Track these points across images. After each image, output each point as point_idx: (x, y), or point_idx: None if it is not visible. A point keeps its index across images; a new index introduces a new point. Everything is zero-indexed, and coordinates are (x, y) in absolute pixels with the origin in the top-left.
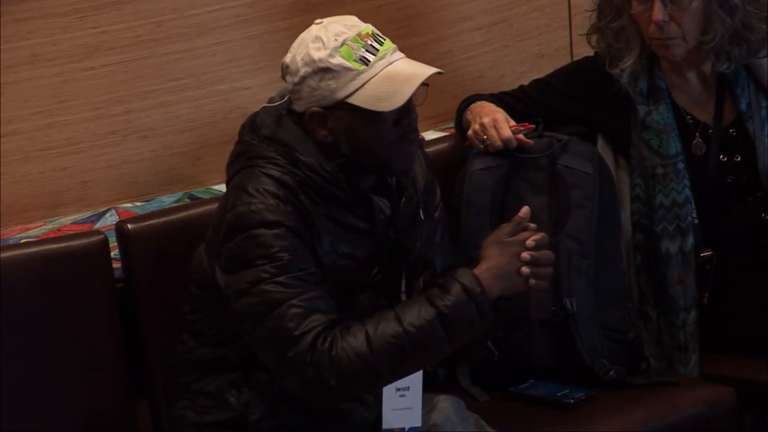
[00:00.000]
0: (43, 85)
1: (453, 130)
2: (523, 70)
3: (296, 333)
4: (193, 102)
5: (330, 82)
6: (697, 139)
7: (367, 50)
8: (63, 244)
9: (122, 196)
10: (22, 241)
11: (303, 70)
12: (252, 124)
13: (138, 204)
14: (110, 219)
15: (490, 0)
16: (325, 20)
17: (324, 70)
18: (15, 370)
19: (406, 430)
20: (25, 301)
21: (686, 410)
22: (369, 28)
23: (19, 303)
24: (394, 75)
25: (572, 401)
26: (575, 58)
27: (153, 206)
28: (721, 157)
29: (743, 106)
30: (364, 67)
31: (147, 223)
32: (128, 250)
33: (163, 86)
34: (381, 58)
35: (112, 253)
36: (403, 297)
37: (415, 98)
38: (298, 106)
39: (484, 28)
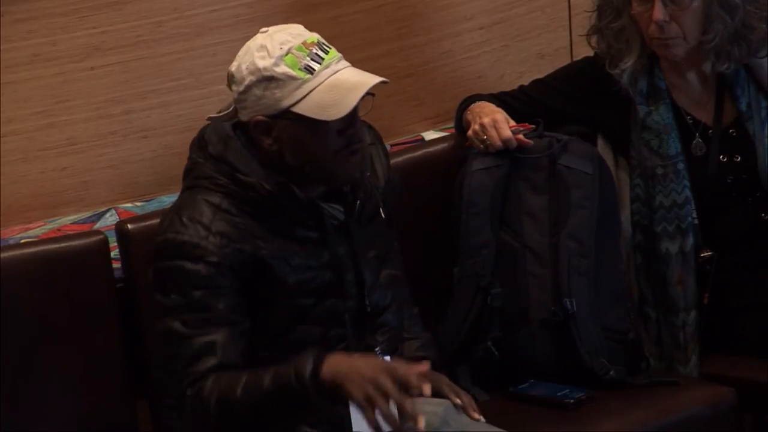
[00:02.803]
0: (43, 85)
1: (453, 130)
2: (523, 70)
3: (181, 372)
4: (193, 102)
5: (275, 91)
6: (697, 140)
7: (312, 59)
8: (63, 244)
9: (122, 196)
10: (22, 241)
11: (248, 79)
12: (200, 140)
13: (138, 204)
14: (110, 219)
15: (490, 0)
16: (271, 29)
17: (269, 79)
18: (15, 370)
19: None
20: (25, 301)
21: (686, 410)
22: (314, 36)
23: (19, 303)
24: (340, 84)
25: (572, 401)
26: (575, 58)
27: (153, 206)
28: (721, 157)
29: (743, 107)
30: (309, 75)
31: (147, 223)
32: (128, 250)
33: (163, 86)
34: (326, 67)
35: (112, 253)
36: (367, 301)
37: (360, 108)
38: (243, 116)
39: (484, 28)
